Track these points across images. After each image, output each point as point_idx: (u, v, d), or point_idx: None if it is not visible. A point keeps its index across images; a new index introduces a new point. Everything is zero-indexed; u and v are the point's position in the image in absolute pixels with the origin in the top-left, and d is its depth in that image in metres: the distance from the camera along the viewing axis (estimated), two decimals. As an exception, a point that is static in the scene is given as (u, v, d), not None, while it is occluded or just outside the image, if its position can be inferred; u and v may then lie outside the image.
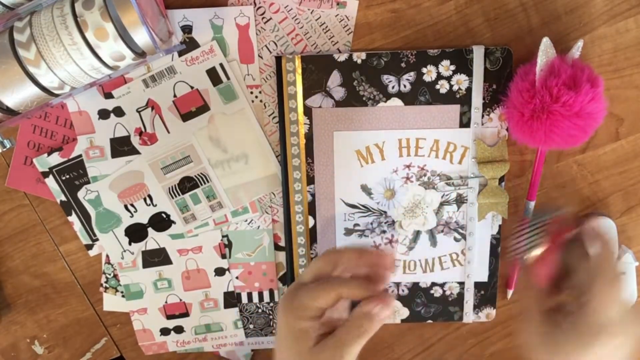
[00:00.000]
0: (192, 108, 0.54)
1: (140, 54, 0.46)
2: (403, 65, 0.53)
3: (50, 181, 0.55)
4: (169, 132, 0.54)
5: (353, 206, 0.56)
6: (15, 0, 0.47)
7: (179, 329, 0.60)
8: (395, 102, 0.53)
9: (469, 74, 0.53)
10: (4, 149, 0.49)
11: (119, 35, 0.44)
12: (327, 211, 0.56)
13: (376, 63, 0.52)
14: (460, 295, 0.58)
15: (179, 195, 0.56)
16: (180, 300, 0.59)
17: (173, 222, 0.57)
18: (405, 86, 0.53)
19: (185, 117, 0.54)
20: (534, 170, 0.54)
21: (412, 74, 0.53)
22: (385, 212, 0.56)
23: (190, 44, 0.52)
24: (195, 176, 0.56)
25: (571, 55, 0.50)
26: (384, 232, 0.57)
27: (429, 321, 0.59)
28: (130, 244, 0.58)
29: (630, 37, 0.53)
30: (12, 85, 0.45)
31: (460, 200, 0.56)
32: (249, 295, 0.59)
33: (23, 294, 0.60)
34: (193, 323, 0.60)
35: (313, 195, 0.56)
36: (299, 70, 0.53)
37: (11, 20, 0.46)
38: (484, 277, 0.58)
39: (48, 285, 0.60)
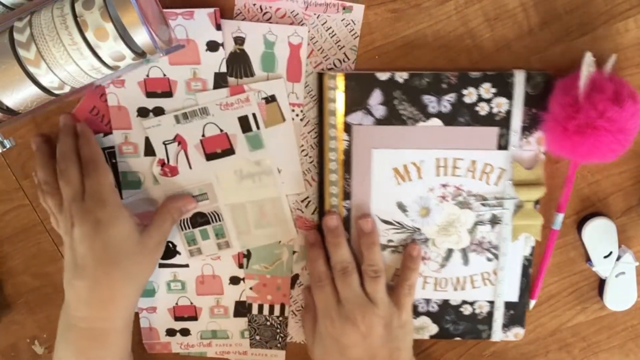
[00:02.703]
0: (217, 149, 0.55)
1: (140, 54, 0.46)
2: (444, 86, 0.53)
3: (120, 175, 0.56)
4: (191, 167, 0.55)
5: (388, 222, 0.56)
6: (15, 0, 0.47)
7: (185, 332, 0.60)
8: (435, 122, 0.53)
9: (509, 97, 0.53)
10: (4, 149, 0.49)
11: (119, 35, 0.44)
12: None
13: (417, 83, 0.53)
14: (490, 314, 0.58)
15: (189, 228, 0.57)
16: (191, 303, 0.59)
17: (178, 252, 0.58)
18: (445, 107, 0.53)
19: (210, 156, 0.55)
20: (565, 183, 0.55)
21: (452, 95, 0.53)
22: (419, 229, 0.56)
23: (240, 56, 0.53)
24: (208, 213, 0.56)
25: (606, 70, 0.51)
26: None
27: (457, 338, 0.60)
28: None
29: (630, 37, 0.53)
30: (12, 85, 0.45)
31: (494, 221, 0.56)
32: (260, 307, 0.60)
33: (23, 294, 0.60)
34: (200, 327, 0.60)
35: (349, 210, 0.56)
36: (341, 88, 0.53)
37: (11, 20, 0.46)
38: (514, 297, 0.58)
39: (48, 285, 0.60)
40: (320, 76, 0.53)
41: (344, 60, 0.54)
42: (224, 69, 0.53)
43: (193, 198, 0.56)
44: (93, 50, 0.44)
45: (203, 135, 0.54)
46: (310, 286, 0.56)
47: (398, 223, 0.56)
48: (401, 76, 0.52)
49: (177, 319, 0.60)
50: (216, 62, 0.53)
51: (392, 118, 0.53)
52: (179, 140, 0.55)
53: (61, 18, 0.43)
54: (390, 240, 0.57)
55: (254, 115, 0.54)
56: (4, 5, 0.47)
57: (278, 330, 0.60)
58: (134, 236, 0.52)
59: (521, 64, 0.53)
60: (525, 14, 0.53)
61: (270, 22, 0.53)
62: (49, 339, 0.61)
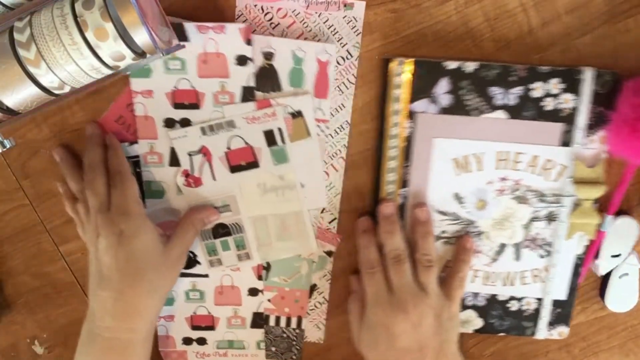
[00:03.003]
0: (242, 162, 0.55)
1: (140, 54, 0.46)
2: (512, 79, 0.52)
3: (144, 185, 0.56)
4: (215, 179, 0.55)
5: (443, 213, 0.56)
6: (15, 0, 0.47)
7: (201, 341, 0.61)
8: (500, 114, 0.53)
9: (577, 93, 0.53)
10: (4, 149, 0.50)
11: (119, 35, 0.44)
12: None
13: (486, 74, 0.52)
14: (537, 311, 0.58)
15: (210, 239, 0.57)
16: (209, 313, 0.60)
17: (198, 262, 0.58)
18: (511, 100, 0.53)
19: (234, 169, 0.55)
20: (619, 185, 0.55)
21: (520, 88, 0.53)
22: (474, 221, 0.56)
23: (269, 71, 0.53)
24: (230, 224, 0.57)
25: None
26: None
27: (501, 334, 0.59)
28: None
29: (630, 37, 0.53)
30: (12, 85, 0.45)
31: (550, 218, 0.56)
32: (277, 319, 0.60)
33: (23, 294, 0.60)
34: (217, 337, 0.60)
35: (405, 198, 0.56)
36: (408, 74, 0.52)
37: (11, 20, 0.46)
38: (562, 295, 0.58)
39: (48, 285, 0.60)
40: (386, 62, 0.53)
41: (347, 58, 0.54)
42: (252, 83, 0.53)
43: (216, 209, 0.56)
44: (93, 50, 0.44)
45: (228, 148, 0.55)
46: (360, 273, 0.56)
47: (453, 214, 0.56)
48: (470, 66, 0.52)
49: (194, 328, 0.60)
50: (245, 76, 0.53)
51: (457, 108, 0.53)
52: (204, 151, 0.55)
53: (61, 18, 0.43)
54: (443, 232, 0.57)
55: (279, 129, 0.54)
56: (4, 5, 0.47)
57: (294, 342, 0.60)
58: (158, 247, 0.53)
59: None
60: (525, 14, 0.53)
61: (272, 22, 0.53)
62: (49, 339, 0.61)
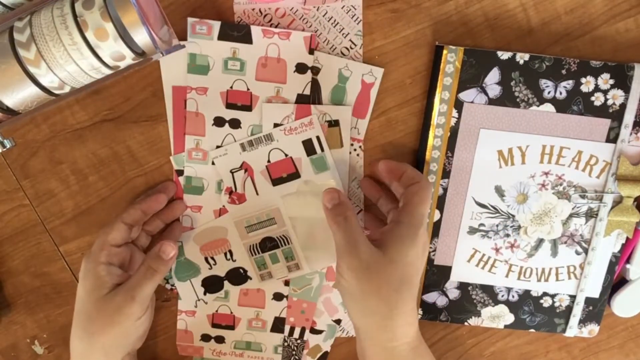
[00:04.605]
0: (283, 174, 0.55)
1: (140, 53, 0.46)
2: (564, 72, 0.52)
3: (183, 179, 0.56)
4: (258, 194, 0.56)
5: (483, 206, 0.56)
6: (15, 0, 0.47)
7: (219, 339, 0.61)
8: (548, 107, 0.53)
9: (626, 90, 0.53)
10: (4, 149, 0.49)
11: (119, 35, 0.44)
12: (456, 207, 0.56)
13: (537, 66, 0.52)
14: (569, 308, 0.58)
15: (258, 253, 0.58)
16: (231, 313, 0.60)
17: (249, 277, 0.58)
18: (561, 93, 0.53)
19: (276, 182, 0.55)
20: None
21: (570, 82, 0.53)
22: (513, 215, 0.56)
23: (313, 84, 0.54)
24: (277, 237, 0.57)
25: None
26: (507, 235, 0.56)
27: (532, 330, 0.59)
28: (205, 294, 0.59)
29: (630, 37, 0.54)
30: (12, 85, 0.45)
31: (590, 215, 0.56)
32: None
33: (23, 294, 0.60)
34: (235, 337, 0.60)
35: (445, 189, 0.55)
36: (458, 63, 0.52)
37: (11, 20, 0.46)
38: (595, 293, 0.58)
39: (48, 285, 0.60)
40: (440, 49, 0.52)
41: (351, 48, 0.54)
42: (307, 92, 0.54)
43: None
44: (93, 50, 0.44)
45: (268, 161, 0.55)
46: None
47: (493, 207, 0.56)
48: (522, 57, 0.52)
49: (214, 325, 0.60)
50: (302, 84, 0.54)
51: (506, 99, 0.53)
52: (245, 167, 0.55)
53: (61, 18, 0.43)
54: (481, 224, 0.56)
55: (317, 138, 0.54)
56: (4, 5, 0.47)
57: (294, 352, 0.60)
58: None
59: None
60: (525, 14, 0.53)
61: (271, 23, 0.53)
62: (49, 339, 0.61)
